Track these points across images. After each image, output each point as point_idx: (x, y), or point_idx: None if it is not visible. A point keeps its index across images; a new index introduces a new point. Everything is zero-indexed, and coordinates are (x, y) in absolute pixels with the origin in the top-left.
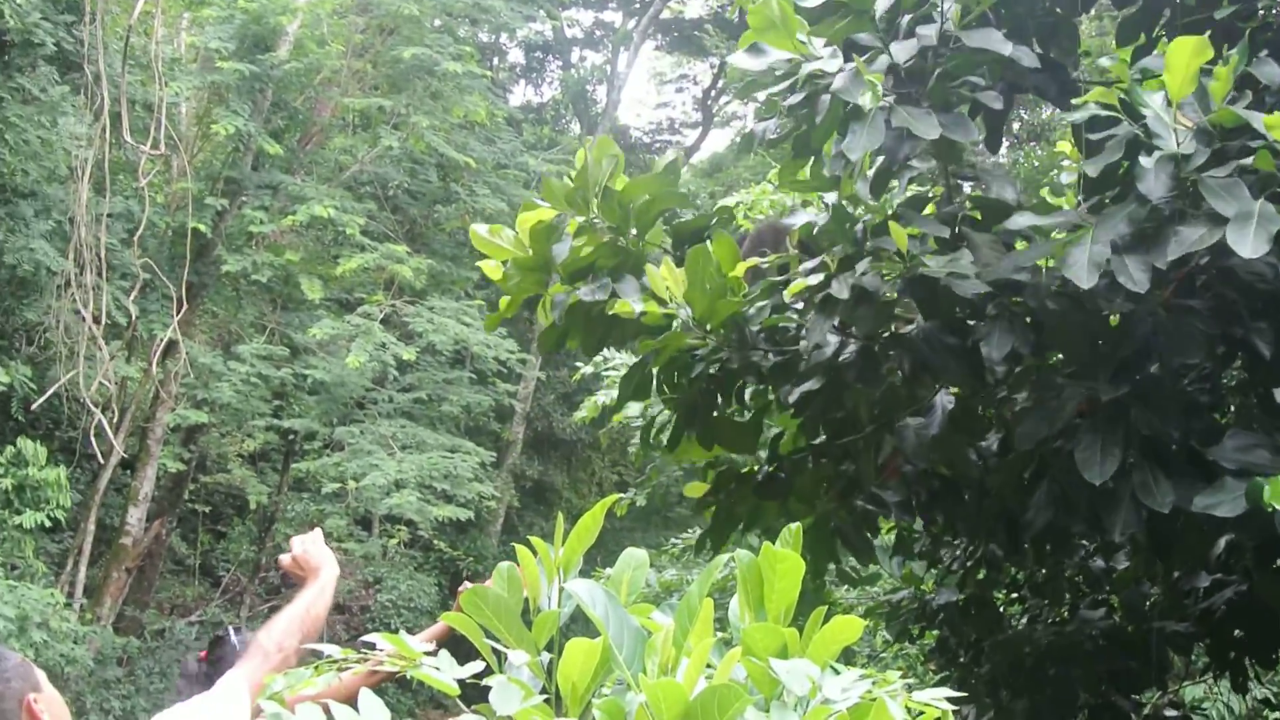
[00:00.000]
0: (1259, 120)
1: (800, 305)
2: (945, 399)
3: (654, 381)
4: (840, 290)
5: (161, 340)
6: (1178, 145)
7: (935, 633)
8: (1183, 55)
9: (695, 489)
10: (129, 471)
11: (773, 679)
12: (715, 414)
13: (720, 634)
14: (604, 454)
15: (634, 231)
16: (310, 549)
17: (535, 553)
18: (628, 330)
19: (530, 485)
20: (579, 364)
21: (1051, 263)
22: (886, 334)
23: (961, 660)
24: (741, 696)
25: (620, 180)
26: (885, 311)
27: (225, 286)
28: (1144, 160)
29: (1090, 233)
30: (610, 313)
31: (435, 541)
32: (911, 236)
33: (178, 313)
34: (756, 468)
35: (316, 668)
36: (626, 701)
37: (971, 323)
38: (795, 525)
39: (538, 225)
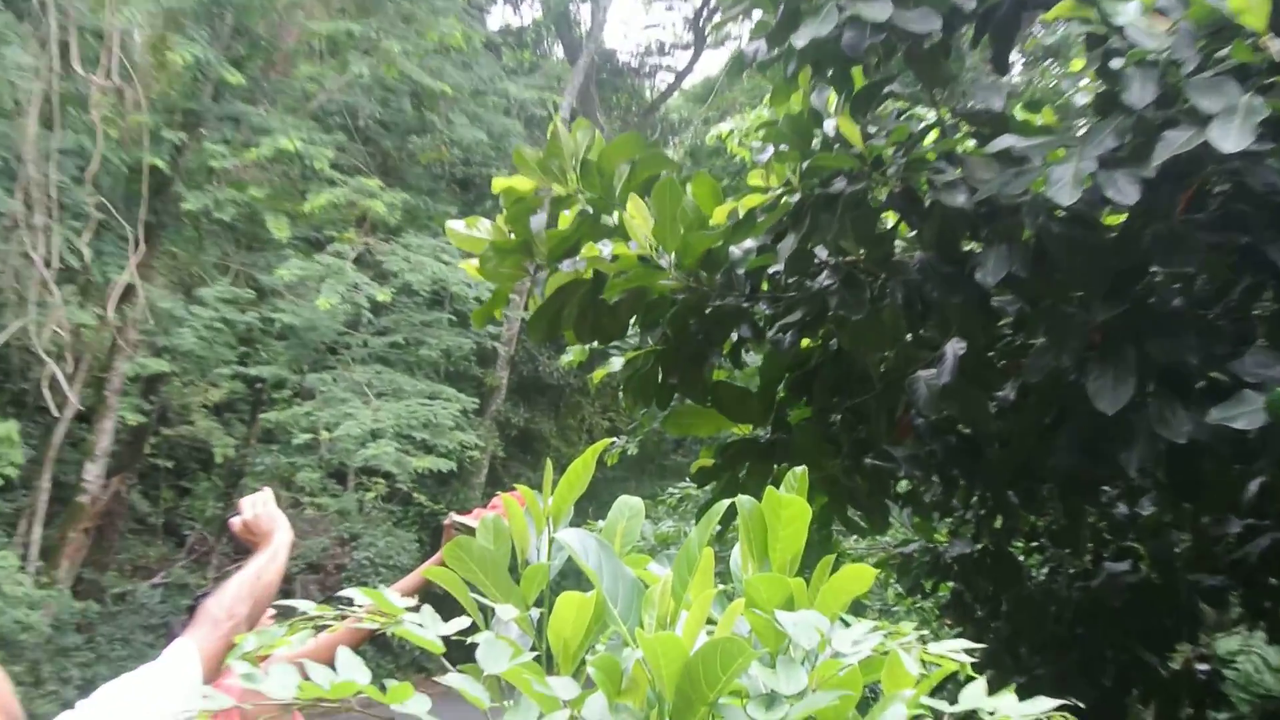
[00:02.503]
0: (1225, 6)
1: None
2: (956, 347)
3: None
4: (804, 196)
5: (118, 284)
6: (1158, 50)
7: (949, 585)
8: None
9: (700, 464)
10: (85, 425)
11: (778, 632)
12: (706, 368)
13: (722, 585)
14: (594, 399)
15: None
16: (261, 511)
17: (523, 502)
18: (622, 314)
19: (516, 433)
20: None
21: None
22: (878, 260)
23: (978, 615)
24: (745, 650)
25: (598, 148)
26: (866, 222)
27: (185, 226)
28: (1123, 67)
29: (1076, 150)
30: (600, 294)
31: (415, 495)
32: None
33: (135, 255)
34: (762, 435)
35: (291, 625)
36: (623, 658)
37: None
38: (801, 469)
39: (516, 206)
